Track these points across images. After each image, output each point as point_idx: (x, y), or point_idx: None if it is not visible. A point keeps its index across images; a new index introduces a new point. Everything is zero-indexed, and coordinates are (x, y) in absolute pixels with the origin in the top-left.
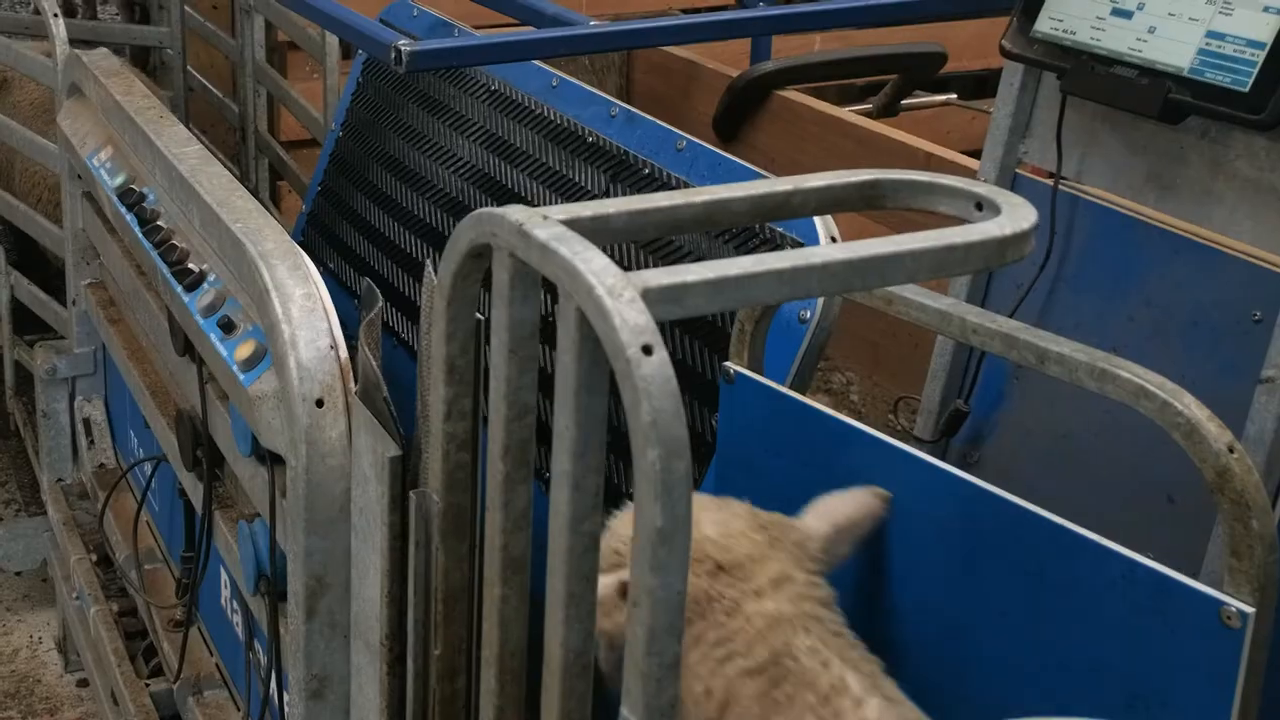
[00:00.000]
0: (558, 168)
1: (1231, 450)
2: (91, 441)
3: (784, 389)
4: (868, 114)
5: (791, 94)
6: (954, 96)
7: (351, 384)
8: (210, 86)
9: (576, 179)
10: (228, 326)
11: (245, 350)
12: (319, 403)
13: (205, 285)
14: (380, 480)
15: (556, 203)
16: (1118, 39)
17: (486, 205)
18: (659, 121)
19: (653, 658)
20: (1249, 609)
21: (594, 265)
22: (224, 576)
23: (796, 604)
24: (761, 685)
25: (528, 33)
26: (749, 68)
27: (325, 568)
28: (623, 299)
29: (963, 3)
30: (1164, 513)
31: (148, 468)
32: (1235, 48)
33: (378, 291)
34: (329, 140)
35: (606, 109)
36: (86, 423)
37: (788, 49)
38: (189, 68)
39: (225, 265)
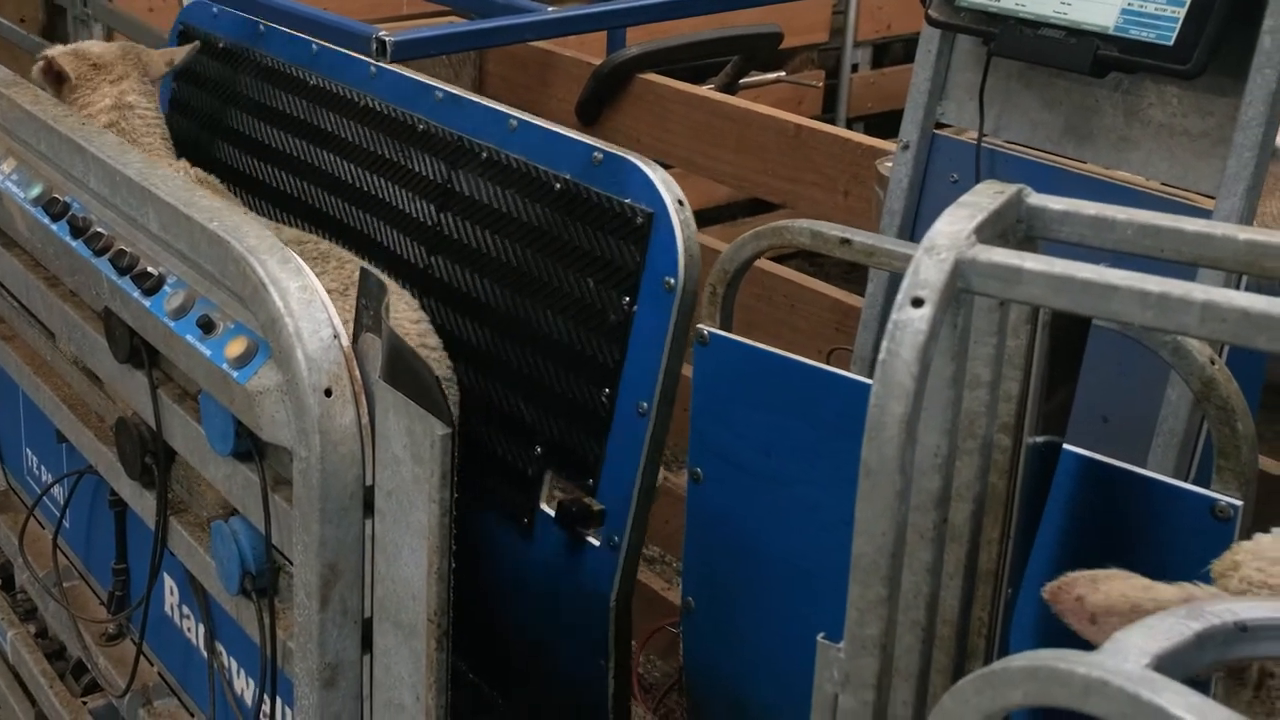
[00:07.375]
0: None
1: (1213, 362)
2: None
3: (758, 345)
4: None
5: (654, 76)
6: (783, 74)
7: (355, 371)
8: None
9: (414, 167)
10: (208, 326)
11: (237, 348)
12: (327, 392)
13: (168, 288)
14: (424, 461)
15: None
16: (1041, 4)
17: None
18: (484, 102)
19: None
20: (1238, 502)
21: None
22: (169, 582)
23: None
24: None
25: (499, 19)
26: (611, 54)
27: (339, 555)
28: None
29: None
30: (1099, 432)
31: (54, 483)
32: (1156, 6)
33: (383, 280)
34: None
35: (430, 94)
36: None
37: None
38: None
39: (196, 265)
